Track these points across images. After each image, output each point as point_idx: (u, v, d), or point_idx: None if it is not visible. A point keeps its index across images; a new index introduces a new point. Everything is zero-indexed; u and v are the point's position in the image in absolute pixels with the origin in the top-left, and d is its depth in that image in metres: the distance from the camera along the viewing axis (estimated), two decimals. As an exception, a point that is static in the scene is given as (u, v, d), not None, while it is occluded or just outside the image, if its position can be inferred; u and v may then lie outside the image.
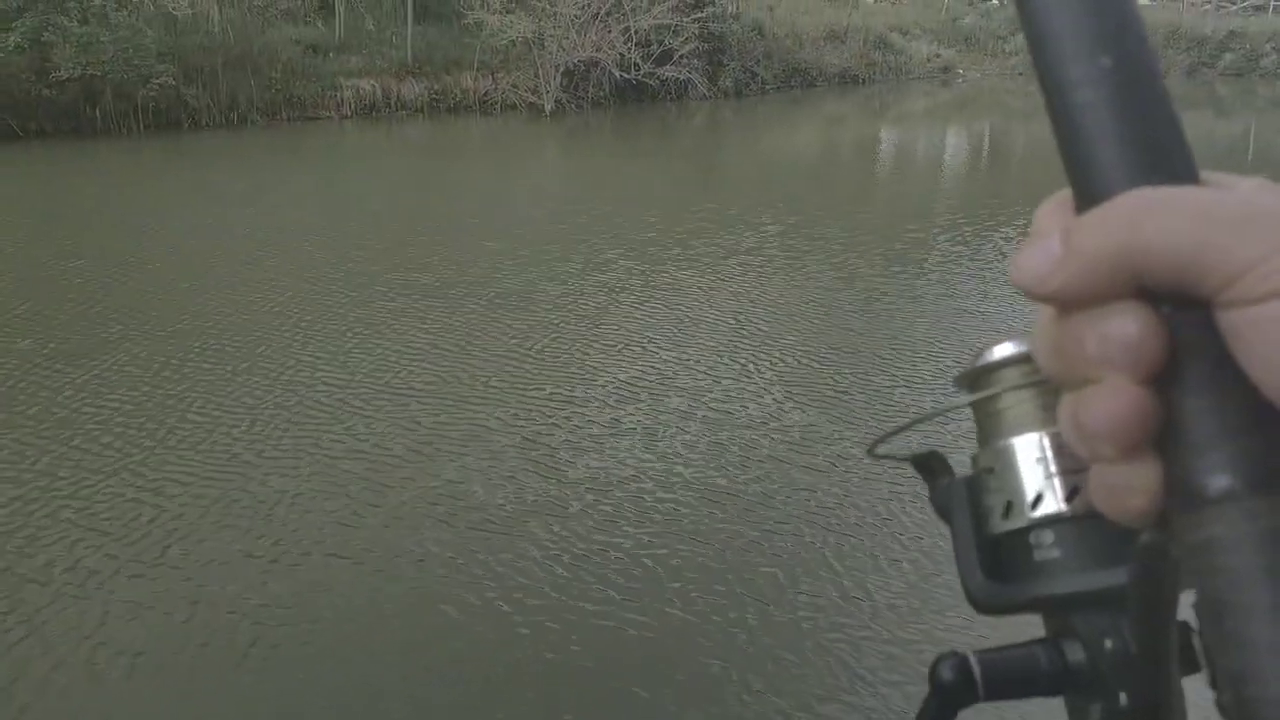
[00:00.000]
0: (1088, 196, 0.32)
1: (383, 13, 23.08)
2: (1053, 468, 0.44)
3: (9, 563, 4.14)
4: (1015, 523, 0.45)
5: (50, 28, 16.98)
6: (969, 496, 0.48)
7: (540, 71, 23.10)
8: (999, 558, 0.46)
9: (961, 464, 0.50)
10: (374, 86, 21.44)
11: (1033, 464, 0.44)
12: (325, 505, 4.62)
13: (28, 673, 3.43)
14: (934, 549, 4.14)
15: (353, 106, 21.23)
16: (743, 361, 6.49)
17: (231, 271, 8.86)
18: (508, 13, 23.08)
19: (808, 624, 3.67)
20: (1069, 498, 0.43)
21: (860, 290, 8.20)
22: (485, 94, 22.95)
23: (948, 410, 0.51)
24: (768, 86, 25.37)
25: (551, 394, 5.97)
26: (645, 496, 4.68)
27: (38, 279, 8.68)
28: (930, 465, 0.52)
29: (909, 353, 6.66)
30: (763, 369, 6.35)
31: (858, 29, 26.41)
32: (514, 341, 6.90)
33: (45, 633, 3.65)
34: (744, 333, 7.07)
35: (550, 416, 5.64)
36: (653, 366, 6.41)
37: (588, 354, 6.68)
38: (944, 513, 0.50)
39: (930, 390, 5.98)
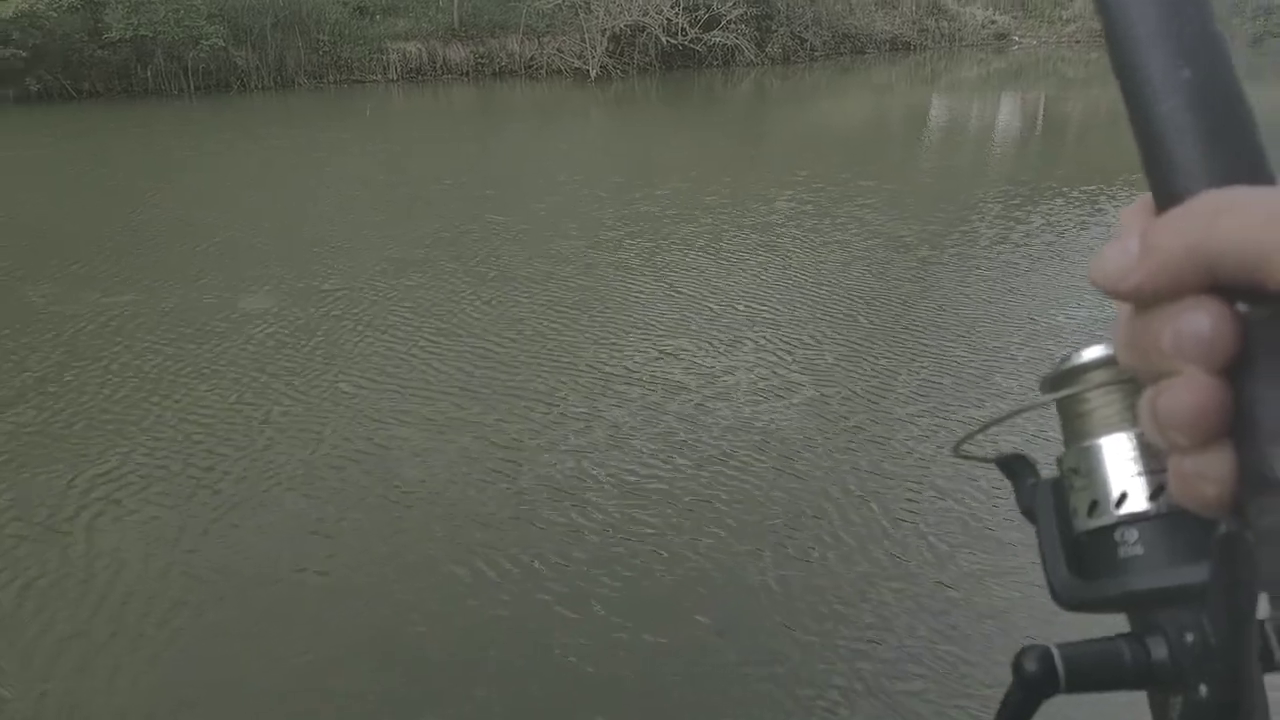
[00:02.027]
0: (1166, 198, 0.34)
1: (430, -24, 22.92)
2: (1138, 467, 0.45)
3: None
4: (1100, 520, 0.45)
5: (104, -13, 17.08)
6: (1054, 496, 0.49)
7: (586, 36, 22.86)
8: (1083, 555, 0.46)
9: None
10: (420, 50, 21.35)
11: (1118, 463, 0.45)
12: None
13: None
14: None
15: (399, 70, 21.16)
16: (781, 330, 6.34)
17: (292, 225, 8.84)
18: (554, -24, 22.85)
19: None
20: (1153, 496, 0.44)
21: (908, 262, 7.98)
22: (530, 58, 22.77)
23: (1032, 408, 0.50)
24: (816, 53, 24.91)
25: (600, 351, 5.87)
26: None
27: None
28: (1015, 467, 0.53)
29: (954, 324, 6.47)
30: (803, 339, 6.20)
31: (910, -6, 25.84)
32: (558, 303, 6.81)
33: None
34: (784, 300, 6.91)
35: (618, 370, 5.55)
36: (688, 332, 6.29)
37: (635, 315, 6.58)
38: (1029, 513, 0.50)
39: (971, 362, 5.80)
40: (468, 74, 22.07)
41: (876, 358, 5.95)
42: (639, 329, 6.46)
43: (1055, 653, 0.45)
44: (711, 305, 6.90)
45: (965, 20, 26.09)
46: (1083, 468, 0.47)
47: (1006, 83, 22.92)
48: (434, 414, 5.20)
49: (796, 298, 7.07)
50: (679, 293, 7.18)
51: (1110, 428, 0.46)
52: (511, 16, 22.56)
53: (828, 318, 6.67)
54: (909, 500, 4.34)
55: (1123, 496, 0.45)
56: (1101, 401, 0.46)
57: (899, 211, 9.72)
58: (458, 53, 21.87)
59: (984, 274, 7.71)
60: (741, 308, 6.86)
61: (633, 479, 4.51)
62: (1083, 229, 9.07)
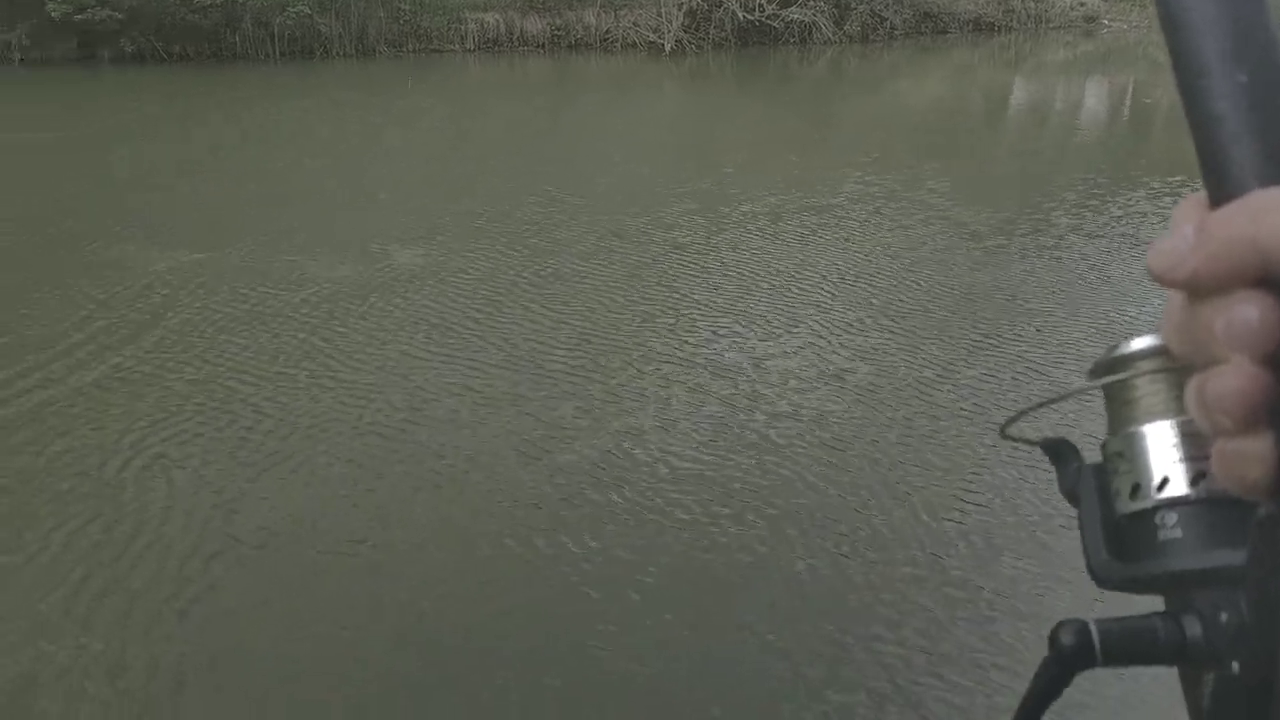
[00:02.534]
0: (1220, 195, 0.35)
1: (511, -53, 22.84)
2: (1180, 453, 0.46)
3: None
4: (1141, 503, 0.47)
5: (195, -47, 17.32)
6: (1097, 480, 0.50)
7: (662, 10, 22.62)
8: (1123, 537, 0.48)
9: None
10: (498, 20, 21.33)
11: (1161, 449, 0.46)
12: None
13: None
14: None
15: (476, 40, 21.18)
16: (835, 315, 6.19)
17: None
18: (634, -51, 22.61)
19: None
20: (1194, 481, 0.45)
21: (975, 250, 7.74)
22: (606, 31, 22.62)
23: (1079, 392, 0.52)
24: (896, 32, 24.33)
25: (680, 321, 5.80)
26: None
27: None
28: (1060, 450, 0.54)
29: (1020, 316, 6.25)
30: (858, 325, 6.05)
31: (996, -26, 25.04)
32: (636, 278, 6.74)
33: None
34: (841, 285, 6.75)
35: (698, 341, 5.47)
36: (753, 309, 6.18)
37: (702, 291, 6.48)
38: (1071, 496, 0.51)
39: (1035, 356, 5.60)
40: (543, 46, 22.01)
41: (934, 347, 5.77)
42: (690, 310, 6.35)
43: (1092, 627, 0.47)
44: (765, 287, 6.76)
45: (1053, 1, 25.23)
46: (1127, 452, 0.48)
47: (1093, 67, 22.16)
48: (473, 387, 5.18)
49: (855, 283, 6.90)
50: (733, 274, 7.05)
51: (1155, 415, 0.47)
52: (590, -11, 22.42)
53: (885, 304, 6.49)
54: (955, 498, 4.19)
55: (1164, 481, 0.46)
56: (1147, 390, 0.47)
57: (968, 197, 9.43)
58: (534, 24, 21.81)
59: (1055, 265, 7.44)
60: (796, 291, 6.71)
61: (678, 464, 4.44)
62: (1164, 222, 8.70)
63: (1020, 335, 5.99)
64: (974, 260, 7.51)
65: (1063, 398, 0.54)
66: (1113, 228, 8.47)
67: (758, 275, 7.01)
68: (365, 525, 3.94)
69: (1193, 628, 0.45)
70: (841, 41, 24.21)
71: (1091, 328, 6.11)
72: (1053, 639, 0.48)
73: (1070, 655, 0.47)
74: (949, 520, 4.01)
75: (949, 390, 5.22)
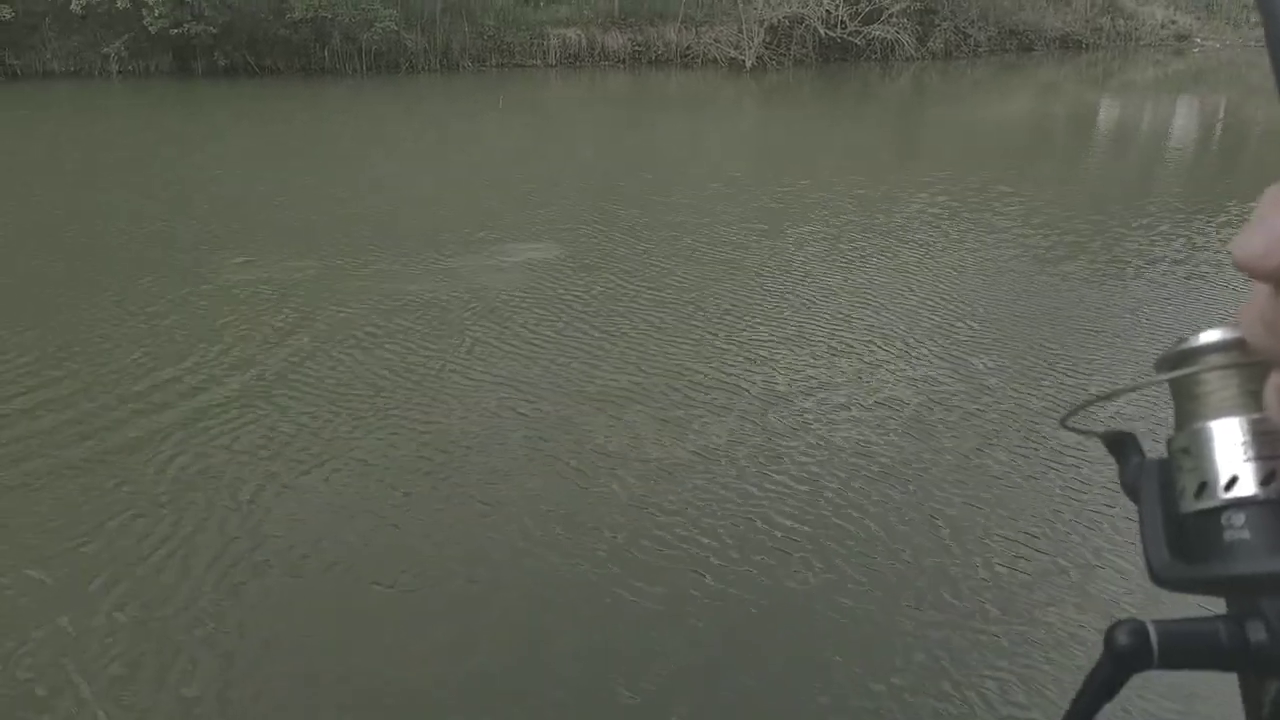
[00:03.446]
0: None
1: (594, -36, 22.90)
2: (1250, 452, 0.44)
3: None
4: (1207, 503, 0.44)
5: (289, -30, 17.68)
6: (1160, 476, 0.48)
7: (743, 26, 22.42)
8: (1186, 537, 0.46)
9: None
10: (579, 36, 21.36)
11: (1230, 447, 0.44)
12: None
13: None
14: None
15: (558, 55, 21.24)
16: (892, 341, 5.92)
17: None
18: (717, -34, 22.48)
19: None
20: (1264, 482, 0.43)
21: (1047, 276, 7.38)
22: (687, 47, 22.50)
23: (1144, 386, 0.48)
24: (980, 49, 23.75)
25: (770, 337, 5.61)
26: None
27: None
28: (1122, 444, 0.52)
29: (1089, 349, 5.91)
30: (913, 353, 5.77)
31: (1085, -9, 24.29)
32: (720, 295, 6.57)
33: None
34: (927, 303, 6.47)
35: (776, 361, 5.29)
36: (833, 332, 5.95)
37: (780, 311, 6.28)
38: (1132, 491, 0.50)
39: (1107, 374, 5.26)
40: (624, 61, 21.98)
41: (991, 378, 5.48)
42: (743, 333, 6.14)
43: (1150, 628, 0.45)
44: (822, 313, 6.52)
45: (1143, 19, 24.35)
46: (1193, 449, 0.45)
47: (1184, 86, 21.32)
48: (519, 410, 5.05)
49: (916, 309, 6.61)
50: (789, 297, 6.82)
51: (1224, 411, 0.44)
52: (671, 5, 22.34)
53: (944, 332, 6.20)
54: (1011, 542, 3.92)
55: (1232, 480, 0.43)
56: (1217, 385, 0.45)
57: (1042, 220, 9.05)
58: (615, 40, 21.80)
59: (1129, 294, 7.05)
60: (855, 316, 6.45)
61: (724, 493, 4.24)
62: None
63: (1087, 369, 5.65)
64: (1045, 288, 7.15)
65: (1128, 391, 0.50)
66: (1198, 254, 8.02)
67: (813, 299, 6.77)
68: (403, 538, 3.83)
69: (1257, 633, 0.43)
70: (924, 58, 23.72)
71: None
72: (1108, 639, 0.46)
73: (1126, 656, 0.45)
74: (1001, 566, 3.75)
75: (1007, 428, 4.92)
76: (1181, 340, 0.47)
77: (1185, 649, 0.45)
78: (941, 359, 5.75)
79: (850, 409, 5.07)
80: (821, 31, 22.81)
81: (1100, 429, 0.53)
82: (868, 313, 6.51)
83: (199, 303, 6.59)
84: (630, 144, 13.53)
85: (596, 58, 21.82)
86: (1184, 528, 0.46)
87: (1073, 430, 0.53)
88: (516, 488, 4.31)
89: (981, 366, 5.65)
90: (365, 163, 11.54)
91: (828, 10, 22.65)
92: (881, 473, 4.44)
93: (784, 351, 5.83)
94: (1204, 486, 0.44)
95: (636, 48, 22.28)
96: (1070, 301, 6.86)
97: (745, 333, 6.13)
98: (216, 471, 4.39)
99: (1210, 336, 0.45)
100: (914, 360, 5.73)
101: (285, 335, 6.00)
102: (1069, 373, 5.59)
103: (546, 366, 5.57)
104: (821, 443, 4.71)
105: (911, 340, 6.03)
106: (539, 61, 21.18)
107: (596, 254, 7.74)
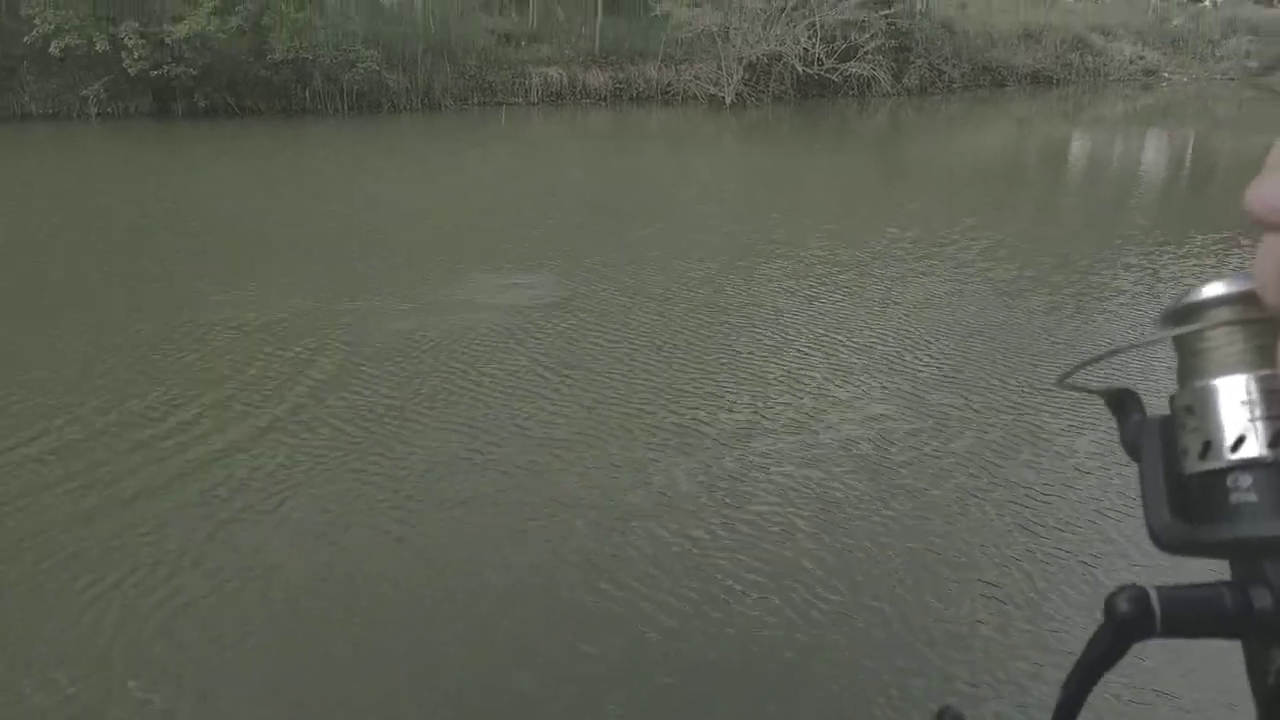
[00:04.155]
0: None
1: (573, 4, 23.08)
2: (1258, 411, 0.42)
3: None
4: (1213, 464, 0.43)
5: (269, 11, 17.71)
6: (1162, 434, 0.46)
7: (723, 64, 22.58)
8: (1190, 498, 0.44)
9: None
10: (561, 75, 21.48)
11: (1237, 406, 0.42)
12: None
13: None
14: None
15: (539, 93, 21.34)
16: (897, 372, 5.89)
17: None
18: (695, 5, 22.65)
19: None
20: (1273, 443, 0.41)
21: (1013, 313, 7.37)
22: (668, 84, 22.64)
23: (1148, 344, 0.47)
24: (954, 85, 23.98)
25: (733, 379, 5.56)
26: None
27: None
28: (1122, 401, 0.50)
29: (1055, 391, 5.88)
30: (919, 379, 5.74)
31: (1055, 29, 24.53)
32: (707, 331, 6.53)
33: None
34: (892, 339, 6.45)
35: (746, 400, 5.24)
36: (808, 370, 5.91)
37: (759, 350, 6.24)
38: (1133, 450, 0.48)
39: (1065, 436, 5.23)
40: (605, 98, 22.10)
41: (951, 416, 5.44)
42: (706, 373, 6.11)
43: (1152, 594, 0.43)
44: (786, 350, 6.49)
45: (1112, 55, 24.63)
46: (1198, 407, 0.44)
47: (1152, 120, 21.55)
48: (480, 449, 4.99)
49: (880, 345, 6.59)
50: (755, 334, 6.79)
51: (1231, 368, 0.43)
52: (651, 44, 22.50)
53: (906, 368, 6.17)
54: (969, 586, 3.87)
55: (1239, 440, 0.42)
56: (1224, 340, 0.43)
57: (1009, 254, 9.07)
58: (597, 78, 21.92)
59: (1092, 327, 7.05)
60: (817, 353, 6.43)
61: (681, 540, 4.18)
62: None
63: (1056, 411, 5.63)
64: (1013, 323, 7.14)
65: (1129, 349, 0.47)
66: (1154, 286, 8.04)
67: (777, 336, 6.74)
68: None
69: (1262, 599, 0.42)
70: (900, 94, 23.91)
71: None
72: (1109, 606, 0.44)
73: (1128, 624, 0.44)
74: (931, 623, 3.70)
75: (970, 468, 4.89)
76: (1186, 292, 0.44)
77: (1188, 616, 0.43)
78: (902, 396, 5.72)
79: (810, 449, 5.02)
80: (799, 69, 22.98)
81: (1099, 386, 0.51)
82: (830, 350, 6.49)
83: (177, 340, 6.51)
84: (608, 181, 13.55)
85: (578, 95, 21.94)
86: (1187, 489, 0.44)
87: (1071, 388, 0.51)
88: (468, 538, 4.24)
89: (941, 403, 5.62)
90: (347, 197, 11.52)
91: (805, 48, 22.83)
92: (842, 516, 4.39)
93: (746, 391, 5.79)
94: (1209, 446, 0.43)
95: (618, 85, 22.41)
96: (1032, 335, 6.85)
97: (708, 372, 6.09)
98: (159, 520, 4.31)
99: (1217, 289, 0.43)
100: (875, 398, 5.70)
101: (260, 376, 5.93)
102: (1027, 409, 5.56)
103: (508, 409, 5.52)
104: (780, 485, 4.66)
105: (873, 377, 6.00)
106: (521, 99, 21.28)
107: (569, 292, 7.70)
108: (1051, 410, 5.53)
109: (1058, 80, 24.23)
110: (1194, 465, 0.44)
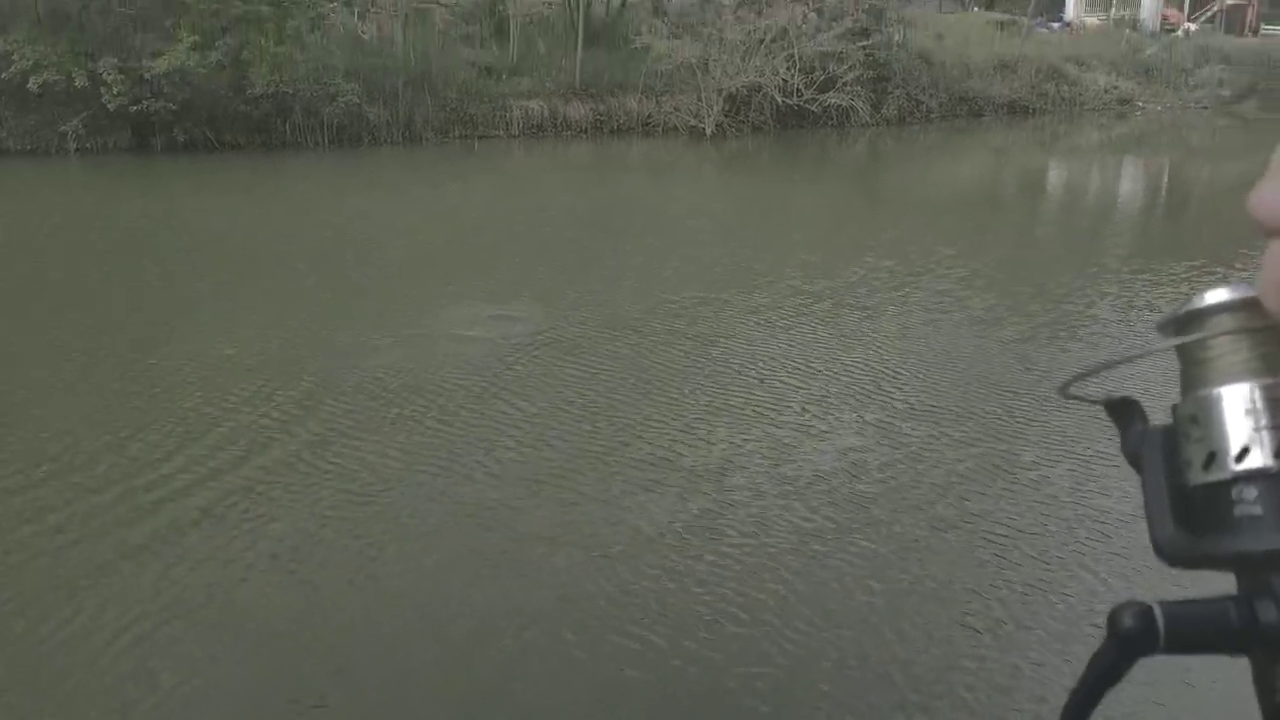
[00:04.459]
0: None
1: (554, 37, 23.22)
2: (1263, 420, 0.41)
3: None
4: (1217, 475, 0.42)
5: (249, 46, 17.73)
6: (1164, 445, 0.45)
7: (703, 95, 22.74)
8: (1194, 510, 0.43)
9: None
10: (542, 107, 21.55)
11: (1241, 415, 0.41)
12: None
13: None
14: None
15: (520, 126, 21.40)
16: (874, 400, 5.89)
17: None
18: (674, 38, 22.83)
19: None
20: (1278, 453, 0.40)
21: (988, 343, 7.40)
22: (648, 116, 22.75)
23: (1151, 353, 0.45)
24: (932, 115, 24.20)
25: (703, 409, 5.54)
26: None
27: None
28: (1124, 410, 0.49)
29: (1030, 407, 5.90)
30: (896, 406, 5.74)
31: (1030, 59, 24.82)
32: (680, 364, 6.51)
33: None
34: (867, 371, 6.45)
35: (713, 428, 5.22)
36: (784, 402, 5.90)
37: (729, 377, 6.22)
38: (1135, 460, 0.47)
39: (1040, 439, 5.24)
40: (586, 130, 22.19)
41: (925, 448, 5.44)
42: (682, 406, 6.09)
43: (1156, 610, 0.42)
44: (763, 382, 6.49)
45: (1086, 85, 24.90)
46: (1202, 417, 0.43)
47: (1127, 148, 21.78)
48: (447, 492, 4.95)
49: (855, 376, 6.59)
50: (732, 366, 6.78)
51: (1235, 377, 0.42)
52: (632, 76, 22.62)
53: (882, 400, 6.17)
54: (948, 622, 3.85)
55: (1244, 451, 0.41)
56: (1228, 348, 0.42)
57: (985, 283, 9.11)
58: (577, 110, 22.01)
59: (1069, 356, 7.08)
60: (792, 385, 6.42)
61: (657, 576, 4.15)
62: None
63: (1021, 428, 5.64)
64: (985, 355, 7.17)
65: (1131, 359, 0.48)
66: (1128, 314, 8.10)
67: (754, 368, 6.74)
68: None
69: (1268, 613, 0.41)
70: (879, 124, 24.11)
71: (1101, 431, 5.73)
72: (1112, 622, 0.43)
73: (1131, 640, 0.42)
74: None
75: (939, 505, 4.88)
76: (1190, 300, 0.43)
77: (1193, 632, 0.42)
78: (878, 428, 5.72)
79: (784, 483, 5.01)
80: (779, 99, 23.16)
81: (1100, 395, 0.50)
82: (806, 381, 6.49)
83: (145, 375, 6.45)
84: (587, 212, 13.57)
85: (559, 127, 22.02)
86: (1191, 500, 0.43)
87: (1072, 398, 0.50)
88: (439, 579, 4.20)
89: (915, 434, 5.62)
90: (326, 228, 11.50)
91: (784, 79, 23.02)
92: (817, 550, 4.38)
93: (721, 424, 5.78)
94: (1213, 457, 0.42)
95: (598, 117, 22.51)
96: (1007, 366, 6.88)
97: (683, 405, 6.08)
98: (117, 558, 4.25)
99: (1221, 296, 0.42)
100: (849, 429, 5.70)
101: (231, 411, 5.87)
102: (999, 438, 5.57)
103: (482, 446, 5.48)
104: (755, 519, 4.64)
105: (848, 409, 6.01)
106: (502, 132, 21.35)
107: (545, 324, 7.68)
108: (1026, 440, 5.54)
109: (1034, 110, 24.48)
110: (1198, 477, 0.43)
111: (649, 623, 3.81)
